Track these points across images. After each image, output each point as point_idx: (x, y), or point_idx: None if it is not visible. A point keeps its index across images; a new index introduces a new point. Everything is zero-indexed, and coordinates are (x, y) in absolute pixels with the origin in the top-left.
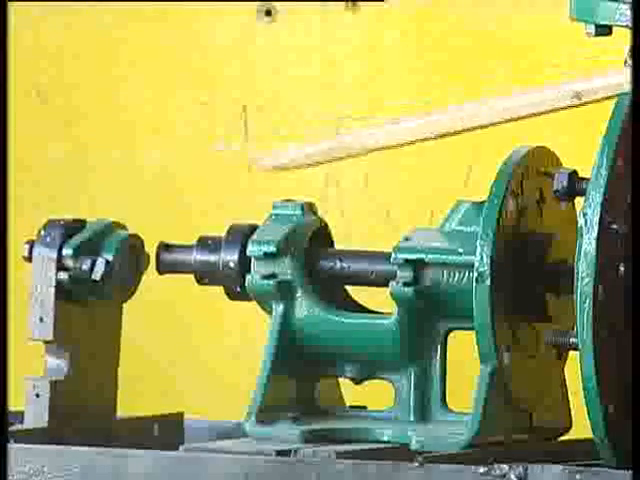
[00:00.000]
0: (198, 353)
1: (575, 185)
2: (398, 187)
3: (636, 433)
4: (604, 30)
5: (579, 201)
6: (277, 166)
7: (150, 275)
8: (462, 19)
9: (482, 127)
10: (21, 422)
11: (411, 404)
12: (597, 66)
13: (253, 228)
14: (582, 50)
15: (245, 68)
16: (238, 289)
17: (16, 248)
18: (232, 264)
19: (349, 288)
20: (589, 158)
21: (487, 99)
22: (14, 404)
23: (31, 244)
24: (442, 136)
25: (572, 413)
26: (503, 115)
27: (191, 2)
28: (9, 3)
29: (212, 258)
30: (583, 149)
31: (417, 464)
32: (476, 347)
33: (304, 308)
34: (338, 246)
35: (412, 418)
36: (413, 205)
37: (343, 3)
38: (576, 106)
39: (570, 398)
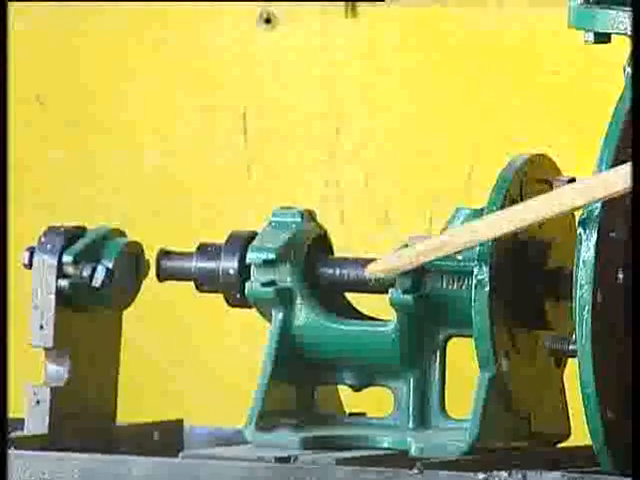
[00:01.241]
0: (199, 356)
1: None
2: (397, 189)
3: (636, 437)
4: (603, 38)
5: None
6: (389, 269)
7: (151, 280)
8: (462, 22)
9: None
10: (22, 429)
11: (410, 411)
12: (596, 71)
13: (253, 235)
14: (581, 54)
15: (245, 72)
16: (238, 296)
17: (16, 253)
18: (232, 271)
19: (348, 295)
20: (589, 165)
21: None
22: (15, 411)
23: (31, 251)
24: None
25: (571, 419)
26: (574, 203)
27: (192, 6)
28: (11, 7)
29: (212, 265)
30: (582, 155)
31: (417, 471)
32: (475, 353)
33: (304, 315)
34: (337, 248)
35: (411, 425)
36: (412, 207)
37: (342, 7)
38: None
39: (569, 404)
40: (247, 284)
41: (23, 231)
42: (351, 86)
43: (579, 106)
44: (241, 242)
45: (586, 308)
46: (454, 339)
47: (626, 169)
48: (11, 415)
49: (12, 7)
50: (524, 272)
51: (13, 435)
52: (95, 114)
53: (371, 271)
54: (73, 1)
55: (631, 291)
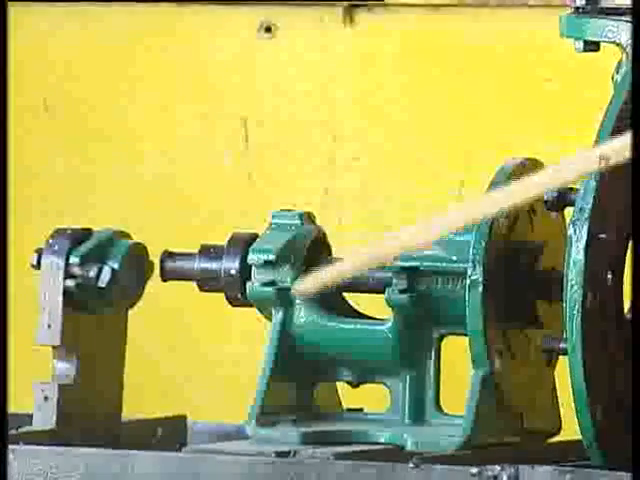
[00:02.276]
0: (201, 354)
1: (564, 196)
2: (394, 197)
3: (636, 433)
4: (592, 46)
5: (568, 211)
6: (318, 287)
7: (155, 282)
8: (459, 34)
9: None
10: (30, 424)
11: (406, 407)
12: (587, 80)
13: (253, 237)
14: (571, 63)
15: (245, 82)
16: (239, 296)
17: (25, 256)
18: (233, 272)
19: (346, 295)
20: None
21: (522, 180)
22: (24, 407)
23: (39, 252)
24: (482, 219)
25: (562, 415)
26: (528, 193)
27: (194, 18)
28: (17, 19)
29: (214, 266)
30: None
31: (413, 465)
32: (469, 352)
33: (303, 314)
34: (336, 254)
35: (407, 420)
36: (407, 212)
37: (341, 19)
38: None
39: (560, 401)
40: (248, 284)
41: (31, 235)
42: (349, 96)
43: (569, 114)
44: (242, 243)
45: (576, 308)
46: (449, 338)
47: (596, 151)
48: (20, 411)
49: (20, 21)
50: (516, 273)
51: (22, 430)
52: (100, 123)
53: (297, 292)
54: (77, 1)
55: (633, 292)
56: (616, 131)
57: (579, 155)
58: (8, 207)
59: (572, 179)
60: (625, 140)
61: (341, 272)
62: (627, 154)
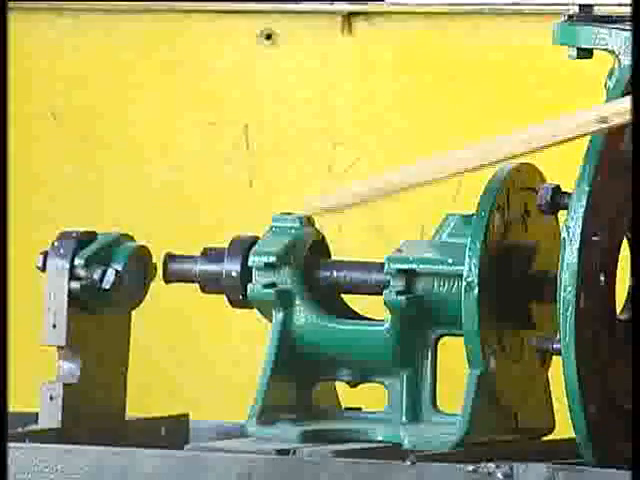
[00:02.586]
0: (203, 355)
1: (558, 199)
2: (391, 203)
3: (636, 433)
4: (585, 53)
5: (562, 214)
6: (325, 208)
7: (158, 283)
8: (453, 42)
9: (506, 159)
10: (36, 422)
11: (403, 406)
12: (581, 87)
13: (254, 240)
14: (565, 72)
15: (247, 90)
16: (240, 297)
17: (32, 259)
18: (234, 274)
19: (345, 296)
20: (572, 173)
21: (513, 132)
22: (30, 406)
23: (45, 255)
24: (473, 170)
25: (555, 414)
26: (529, 146)
27: (197, 30)
28: (26, 29)
29: (215, 268)
30: (566, 164)
31: (409, 463)
32: (465, 352)
33: (302, 315)
34: (335, 255)
35: (404, 419)
36: (405, 219)
37: (340, 28)
38: (603, 130)
39: (553, 400)
40: (249, 286)
41: (38, 238)
42: (348, 103)
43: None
44: (243, 246)
45: (569, 309)
46: (445, 338)
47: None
48: (27, 410)
49: (26, 27)
50: (511, 275)
51: (28, 428)
52: (106, 130)
53: (307, 207)
54: (84, 13)
55: (633, 292)
56: (608, 137)
57: (578, 113)
58: (15, 211)
59: (570, 137)
60: (625, 103)
61: (353, 196)
62: (627, 117)
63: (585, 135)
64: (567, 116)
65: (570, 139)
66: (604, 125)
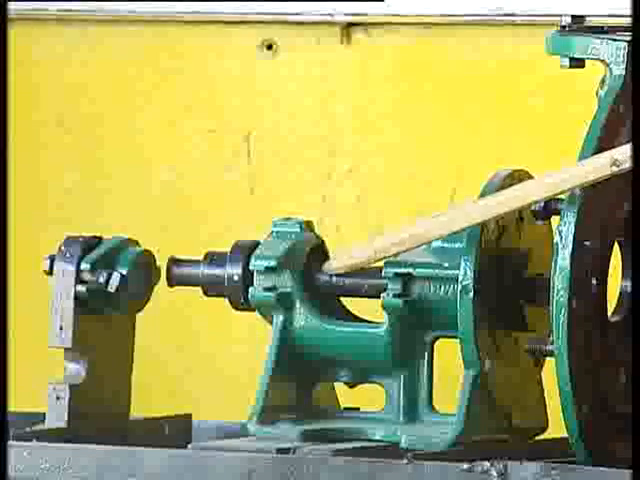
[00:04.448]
0: (206, 356)
1: (551, 205)
2: (388, 206)
3: (636, 433)
4: (578, 63)
5: (555, 220)
6: (348, 266)
7: (162, 287)
8: (449, 51)
9: (535, 203)
10: (43, 422)
11: (401, 406)
12: (571, 95)
13: (255, 244)
14: (556, 79)
15: (248, 99)
16: (242, 300)
17: (39, 262)
18: (236, 277)
19: (344, 299)
20: None
21: (534, 179)
22: (37, 406)
23: (52, 259)
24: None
25: (548, 414)
26: (550, 190)
27: (200, 39)
28: (33, 39)
29: (218, 272)
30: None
31: (406, 461)
32: (460, 354)
33: (302, 318)
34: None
35: (401, 419)
36: (402, 222)
37: (339, 38)
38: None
39: (547, 400)
40: (250, 289)
41: (45, 243)
42: (346, 112)
43: (555, 127)
44: (245, 250)
45: (562, 312)
46: (441, 340)
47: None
48: (34, 410)
49: (34, 37)
50: (506, 279)
51: (35, 428)
52: (111, 138)
53: (328, 269)
54: (91, 23)
55: (633, 292)
56: (600, 145)
57: (591, 159)
58: (23, 216)
59: (585, 182)
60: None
61: (375, 252)
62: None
63: (599, 180)
64: (582, 162)
65: (584, 184)
66: (616, 169)
